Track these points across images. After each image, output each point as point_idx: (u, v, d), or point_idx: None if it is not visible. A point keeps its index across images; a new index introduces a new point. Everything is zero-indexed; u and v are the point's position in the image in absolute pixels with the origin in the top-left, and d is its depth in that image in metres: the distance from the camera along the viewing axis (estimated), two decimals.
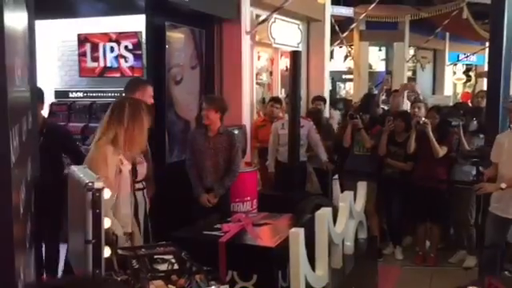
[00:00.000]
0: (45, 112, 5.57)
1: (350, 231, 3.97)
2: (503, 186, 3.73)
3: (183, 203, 4.55)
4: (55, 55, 6.15)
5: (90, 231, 1.94)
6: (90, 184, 1.96)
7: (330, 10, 9.56)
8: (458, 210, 5.20)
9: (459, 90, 19.22)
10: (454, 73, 18.57)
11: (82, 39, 5.99)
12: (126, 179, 2.97)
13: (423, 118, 5.15)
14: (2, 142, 1.11)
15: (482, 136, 4.90)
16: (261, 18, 7.05)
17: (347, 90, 15.81)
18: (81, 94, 6.07)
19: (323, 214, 3.32)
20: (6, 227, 1.15)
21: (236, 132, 5.63)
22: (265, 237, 3.75)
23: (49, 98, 5.88)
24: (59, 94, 6.15)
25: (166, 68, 5.65)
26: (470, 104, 8.25)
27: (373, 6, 10.32)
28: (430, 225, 5.41)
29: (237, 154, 4.60)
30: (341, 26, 10.88)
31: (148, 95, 4.01)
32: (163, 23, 5.57)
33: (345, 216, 3.82)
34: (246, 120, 6.55)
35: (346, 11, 10.97)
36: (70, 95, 6.14)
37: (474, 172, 5.08)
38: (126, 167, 2.96)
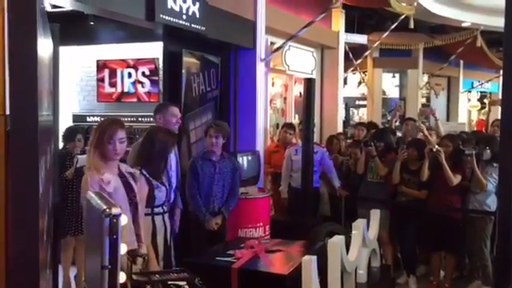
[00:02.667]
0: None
1: (363, 259, 3.96)
2: None
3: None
4: (74, 80, 6.29)
5: (106, 257, 1.98)
6: (107, 210, 2.00)
7: (344, 38, 9.68)
8: (473, 240, 5.14)
9: (474, 117, 19.13)
10: (469, 100, 18.51)
11: (101, 65, 6.13)
12: (120, 197, 2.93)
13: (436, 146, 5.15)
14: (32, 176, 1.15)
15: (495, 165, 4.87)
16: (275, 46, 7.17)
17: (361, 115, 15.82)
18: (98, 119, 6.17)
19: (336, 242, 3.33)
20: (33, 255, 1.19)
21: (250, 158, 5.68)
22: (278, 264, 3.75)
23: (67, 122, 6.00)
24: (77, 118, 6.27)
25: (182, 93, 5.76)
26: (484, 131, 8.21)
27: (386, 34, 10.41)
28: (444, 254, 5.35)
29: (239, 178, 4.76)
30: (354, 52, 10.99)
31: (169, 114, 4.21)
32: (180, 50, 5.71)
33: (358, 244, 3.82)
34: (260, 145, 6.61)
35: (359, 39, 11.08)
36: (88, 119, 6.26)
37: (488, 201, 5.04)
38: (112, 186, 2.89)
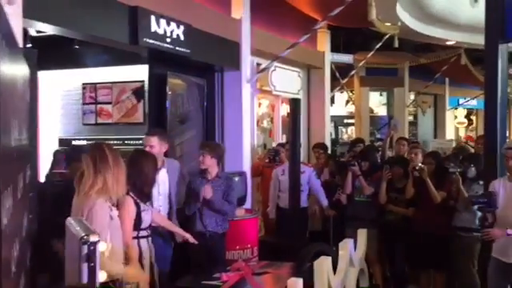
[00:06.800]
0: (49, 160, 5.67)
1: (351, 280, 3.93)
2: (509, 231, 3.71)
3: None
4: (59, 104, 6.27)
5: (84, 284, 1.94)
6: (85, 237, 1.97)
7: (330, 58, 9.78)
8: (460, 259, 5.11)
9: (462, 133, 19.30)
10: (456, 117, 18.71)
11: (86, 89, 6.13)
12: (117, 224, 3.03)
13: (419, 164, 5.17)
14: None
15: (481, 183, 4.88)
16: (261, 67, 7.21)
17: (349, 134, 15.92)
18: (84, 142, 6.14)
19: (322, 262, 3.30)
20: None
21: (236, 179, 5.65)
22: (265, 286, 3.71)
23: (53, 146, 5.96)
24: (63, 142, 6.23)
25: (168, 115, 5.76)
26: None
27: (372, 53, 10.54)
28: (433, 273, 5.32)
29: (233, 197, 4.70)
30: (341, 71, 11.10)
31: (146, 143, 4.27)
32: (165, 73, 5.72)
33: (345, 264, 3.79)
34: (247, 166, 6.61)
35: (345, 58, 11.21)
36: (74, 143, 6.22)
37: (476, 220, 5.02)
38: (115, 213, 3.02)
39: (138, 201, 3.52)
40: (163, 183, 4.32)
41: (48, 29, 4.12)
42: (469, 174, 5.01)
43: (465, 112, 19.09)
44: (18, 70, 1.81)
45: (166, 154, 4.56)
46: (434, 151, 6.21)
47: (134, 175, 3.44)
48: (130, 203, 3.42)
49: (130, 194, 3.46)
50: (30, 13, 3.42)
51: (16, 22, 2.94)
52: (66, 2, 4.05)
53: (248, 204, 6.09)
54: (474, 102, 17.05)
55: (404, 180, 5.38)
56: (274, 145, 8.13)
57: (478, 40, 9.55)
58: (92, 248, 1.96)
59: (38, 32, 4.80)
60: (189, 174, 4.83)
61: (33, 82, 2.63)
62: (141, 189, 3.56)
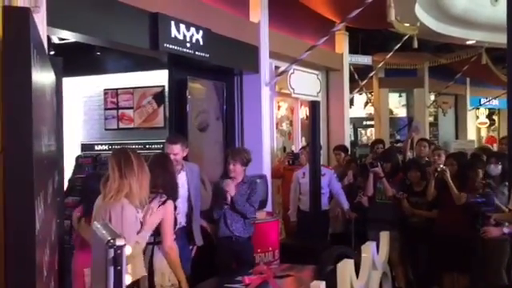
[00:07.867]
0: (71, 165, 5.75)
1: (374, 283, 3.89)
2: (506, 230, 3.67)
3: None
4: (81, 110, 6.36)
5: None
6: (111, 241, 1.99)
7: (349, 59, 9.74)
8: (490, 261, 5.00)
9: (483, 133, 19.01)
10: (477, 117, 18.43)
11: (108, 94, 6.20)
12: (138, 227, 3.08)
13: (441, 165, 5.11)
14: (27, 214, 1.15)
15: (506, 184, 4.79)
16: (280, 70, 7.22)
17: (369, 135, 15.80)
18: (106, 147, 6.21)
19: (344, 266, 3.28)
20: None
21: (258, 181, 5.66)
22: None
23: (75, 152, 6.05)
24: (85, 147, 6.31)
25: (188, 120, 5.80)
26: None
27: (390, 54, 10.45)
28: (456, 275, 5.24)
29: (254, 201, 4.71)
30: (360, 73, 11.03)
31: (169, 152, 4.24)
32: (185, 77, 5.77)
33: (367, 267, 3.76)
34: (267, 169, 6.61)
35: (364, 60, 11.13)
36: (96, 148, 6.29)
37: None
38: (140, 215, 3.08)
39: (176, 204, 3.57)
40: (182, 186, 4.35)
41: (71, 36, 4.19)
42: (494, 171, 4.93)
43: (486, 112, 18.80)
44: (47, 77, 1.85)
45: (185, 158, 4.59)
46: (458, 152, 6.13)
47: (166, 179, 3.49)
48: (171, 208, 3.44)
49: (170, 198, 3.47)
50: (53, 21, 3.48)
51: (41, 30, 3.00)
52: (88, 10, 4.12)
53: (269, 207, 6.10)
54: (495, 102, 16.79)
55: (422, 183, 5.34)
56: (293, 147, 8.12)
57: (499, 39, 9.43)
58: (118, 252, 1.98)
59: (61, 39, 4.89)
60: (210, 181, 4.86)
61: (58, 89, 2.68)
62: (175, 191, 3.61)
